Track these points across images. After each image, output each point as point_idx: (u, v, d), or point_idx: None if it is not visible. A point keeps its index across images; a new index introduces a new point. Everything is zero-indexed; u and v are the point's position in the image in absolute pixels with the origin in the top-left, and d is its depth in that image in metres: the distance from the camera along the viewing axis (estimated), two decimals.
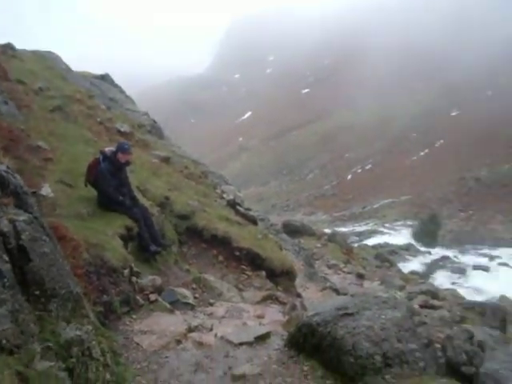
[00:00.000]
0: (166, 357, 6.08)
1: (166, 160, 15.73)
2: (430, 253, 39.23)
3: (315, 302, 11.41)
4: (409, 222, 50.64)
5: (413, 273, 27.79)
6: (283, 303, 9.82)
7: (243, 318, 8.09)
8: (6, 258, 4.08)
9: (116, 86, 25.02)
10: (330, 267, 19.86)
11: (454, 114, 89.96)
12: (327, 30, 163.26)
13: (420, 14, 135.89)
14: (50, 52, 24.21)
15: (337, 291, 14.23)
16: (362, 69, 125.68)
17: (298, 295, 11.66)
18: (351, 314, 5.75)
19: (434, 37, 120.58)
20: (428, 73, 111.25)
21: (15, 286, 4.07)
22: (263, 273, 11.22)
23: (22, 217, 4.66)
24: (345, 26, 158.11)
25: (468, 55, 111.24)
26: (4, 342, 3.61)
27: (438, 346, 7.49)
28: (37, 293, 4.47)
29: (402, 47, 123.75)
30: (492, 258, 37.72)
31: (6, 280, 3.93)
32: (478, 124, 77.79)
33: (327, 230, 31.17)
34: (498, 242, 42.02)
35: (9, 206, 4.66)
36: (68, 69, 23.08)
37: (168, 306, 7.95)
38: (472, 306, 13.33)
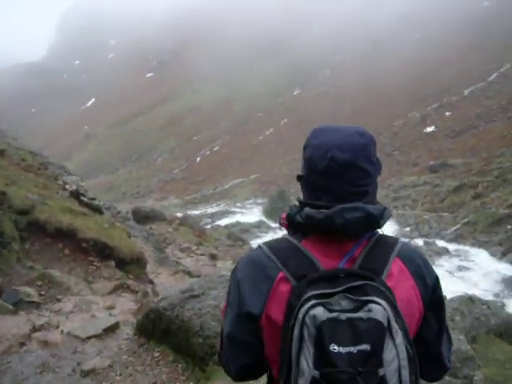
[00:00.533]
0: (8, 362, 5.76)
1: (1, 153, 14.88)
2: (280, 228, 40.39)
3: (167, 286, 11.39)
4: (259, 200, 51.58)
5: None
6: (135, 291, 9.71)
7: (92, 310, 7.89)
8: None
9: None
10: (182, 251, 19.82)
11: (296, 93, 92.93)
12: (171, 12, 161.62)
13: None
14: None
15: (190, 274, 14.27)
16: (206, 51, 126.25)
17: (150, 282, 11.57)
18: (197, 296, 5.80)
19: (277, 18, 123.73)
20: (272, 53, 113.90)
21: None
22: (112, 262, 10.99)
23: None
24: (191, 7, 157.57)
25: (308, 35, 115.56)
26: None
27: None
28: None
29: (248, 28, 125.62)
30: None
31: None
32: (319, 102, 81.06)
33: (179, 214, 31.05)
34: None
35: None
36: None
37: (10, 307, 7.54)
38: None
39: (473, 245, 26.23)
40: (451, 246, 26.05)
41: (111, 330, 6.68)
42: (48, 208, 11.37)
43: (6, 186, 11.56)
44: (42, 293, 8.57)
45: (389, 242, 1.77)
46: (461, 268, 22.39)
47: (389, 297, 1.54)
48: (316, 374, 1.45)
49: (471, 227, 28.79)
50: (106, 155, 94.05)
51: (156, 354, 5.85)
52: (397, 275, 1.68)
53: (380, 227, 1.74)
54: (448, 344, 1.91)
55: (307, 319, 1.48)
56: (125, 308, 8.13)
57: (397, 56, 79.38)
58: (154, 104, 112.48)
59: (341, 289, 1.53)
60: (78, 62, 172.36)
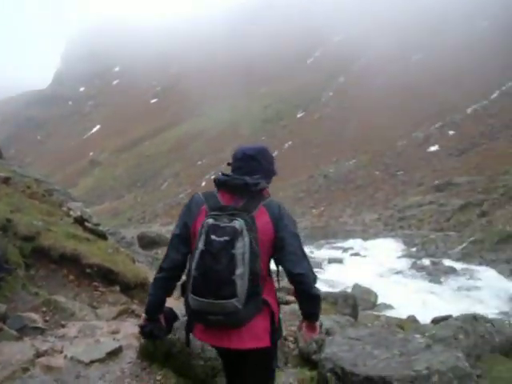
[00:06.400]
0: None
1: (6, 181, 14.95)
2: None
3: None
4: None
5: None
6: (139, 316, 9.68)
7: (96, 335, 7.85)
8: None
9: None
10: None
11: (299, 115, 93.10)
12: (172, 38, 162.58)
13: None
14: None
15: None
16: (208, 76, 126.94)
17: None
18: None
19: (277, 44, 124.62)
20: (274, 78, 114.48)
21: None
22: (117, 287, 10.97)
23: None
24: (192, 33, 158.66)
25: (309, 58, 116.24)
26: None
27: (291, 339, 7.77)
28: None
29: (248, 54, 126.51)
30: (345, 250, 39.03)
31: None
32: (322, 124, 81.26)
33: None
34: (349, 235, 43.78)
35: None
36: None
37: (15, 333, 7.52)
38: (324, 297, 13.89)
39: (480, 263, 26.02)
40: (458, 265, 25.84)
41: (114, 354, 6.65)
42: (52, 234, 11.40)
43: (11, 213, 11.62)
44: (47, 319, 8.55)
45: (261, 198, 3.33)
46: (468, 287, 22.17)
47: (247, 220, 3.12)
48: (204, 248, 3.04)
49: (478, 246, 28.63)
50: (111, 181, 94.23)
51: (158, 377, 5.84)
52: (259, 213, 3.23)
53: (253, 191, 3.30)
54: (308, 265, 3.28)
55: (204, 224, 3.11)
56: (129, 332, 8.08)
57: (398, 77, 79.59)
58: (158, 130, 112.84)
59: (225, 213, 3.14)
60: (82, 88, 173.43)
